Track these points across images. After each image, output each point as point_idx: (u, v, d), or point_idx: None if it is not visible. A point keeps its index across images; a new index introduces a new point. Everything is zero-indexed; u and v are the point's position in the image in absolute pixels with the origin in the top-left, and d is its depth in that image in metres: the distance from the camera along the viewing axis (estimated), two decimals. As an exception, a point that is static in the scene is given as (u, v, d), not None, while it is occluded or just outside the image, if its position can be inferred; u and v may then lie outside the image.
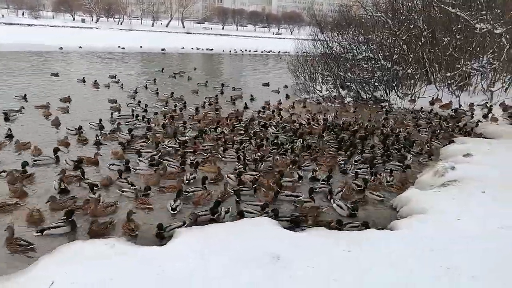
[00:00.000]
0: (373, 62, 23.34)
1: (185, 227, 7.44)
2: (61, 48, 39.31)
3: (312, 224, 7.89)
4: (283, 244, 6.56)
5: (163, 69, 29.77)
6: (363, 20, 27.57)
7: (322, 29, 27.08)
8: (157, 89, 21.34)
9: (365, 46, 24.22)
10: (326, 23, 30.71)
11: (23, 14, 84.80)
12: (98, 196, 8.52)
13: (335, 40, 26.04)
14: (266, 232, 6.97)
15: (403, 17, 23.24)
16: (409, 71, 22.15)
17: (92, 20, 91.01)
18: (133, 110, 16.09)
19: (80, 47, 40.96)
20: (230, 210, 8.24)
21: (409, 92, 21.72)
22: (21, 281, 5.47)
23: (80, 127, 13.14)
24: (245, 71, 36.48)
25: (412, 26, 22.67)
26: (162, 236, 7.23)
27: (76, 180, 9.39)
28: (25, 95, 17.55)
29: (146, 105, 17.27)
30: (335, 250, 6.37)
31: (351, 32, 26.06)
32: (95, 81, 22.26)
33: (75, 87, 21.51)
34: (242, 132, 14.01)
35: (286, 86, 25.01)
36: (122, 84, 22.37)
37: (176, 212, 8.26)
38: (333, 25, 29.04)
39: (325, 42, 25.76)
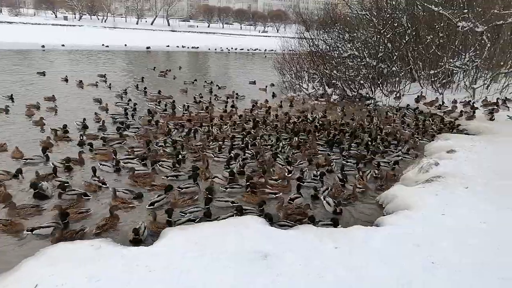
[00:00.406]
0: (359, 60, 23.56)
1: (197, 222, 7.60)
2: (43, 46, 38.54)
3: (284, 218, 7.99)
4: (271, 242, 6.56)
5: (154, 67, 29.42)
6: (348, 18, 27.79)
7: (308, 27, 27.18)
8: (145, 88, 21.00)
9: (351, 44, 24.42)
10: (312, 21, 30.85)
11: (0, 11, 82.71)
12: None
13: (321, 38, 26.18)
14: (254, 230, 6.96)
15: (388, 15, 23.49)
16: (394, 68, 22.43)
17: (75, 17, 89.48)
18: (125, 109, 15.99)
19: (63, 45, 40.23)
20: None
21: (395, 90, 21.98)
22: (3, 284, 5.34)
23: (65, 126, 13.03)
24: (231, 69, 36.40)
25: (396, 24, 22.95)
26: (138, 241, 6.99)
27: (50, 178, 9.27)
28: (11, 95, 17.12)
29: (136, 104, 17.10)
30: (323, 247, 6.41)
31: (336, 30, 26.25)
32: (80, 80, 21.72)
33: (60, 86, 21.09)
34: (238, 131, 14.07)
35: (272, 84, 25.04)
36: (110, 84, 21.90)
37: (153, 207, 8.22)
38: (318, 23, 29.18)
39: (311, 40, 25.88)
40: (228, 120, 15.56)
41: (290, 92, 23.94)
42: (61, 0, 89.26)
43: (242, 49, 54.44)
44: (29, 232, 7.13)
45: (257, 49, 55.43)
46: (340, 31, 25.82)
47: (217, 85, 23.76)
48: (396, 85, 22.50)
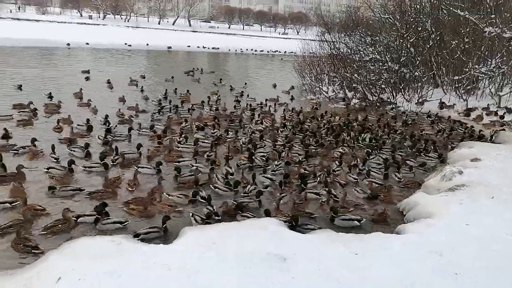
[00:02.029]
0: (380, 64, 23.27)
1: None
2: (68, 44, 39.48)
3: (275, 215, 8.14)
4: (289, 245, 6.52)
5: (193, 69, 29.17)
6: (370, 22, 27.49)
7: (329, 30, 27.02)
8: (176, 89, 20.85)
9: (372, 48, 24.15)
10: (333, 24, 30.63)
11: (19, 8, 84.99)
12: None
13: (342, 41, 25.97)
14: (273, 232, 6.94)
15: (411, 19, 23.13)
16: (416, 73, 22.04)
17: (99, 17, 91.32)
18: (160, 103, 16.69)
19: (87, 43, 41.11)
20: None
21: (418, 95, 21.60)
22: (29, 276, 5.48)
23: (88, 120, 13.50)
24: (252, 71, 36.43)
25: (420, 29, 22.57)
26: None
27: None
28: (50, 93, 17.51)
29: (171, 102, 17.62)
30: (341, 252, 6.34)
31: (358, 33, 25.99)
32: (108, 80, 21.71)
33: (100, 85, 21.32)
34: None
35: (292, 87, 24.96)
36: (142, 87, 21.26)
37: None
38: (340, 26, 28.96)
39: (332, 43, 25.71)
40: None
41: (310, 94, 23.82)
42: (86, 0, 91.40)
43: (262, 51, 54.48)
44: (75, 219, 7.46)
45: (277, 51, 55.39)
46: (362, 34, 25.55)
47: (230, 86, 23.58)
48: (419, 91, 22.10)
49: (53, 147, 10.66)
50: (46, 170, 9.48)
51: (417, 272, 5.76)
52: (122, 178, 9.55)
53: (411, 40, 22.30)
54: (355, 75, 23.32)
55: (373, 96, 22.76)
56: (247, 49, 53.48)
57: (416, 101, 20.95)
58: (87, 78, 22.39)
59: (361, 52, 24.82)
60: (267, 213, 8.01)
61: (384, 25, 25.30)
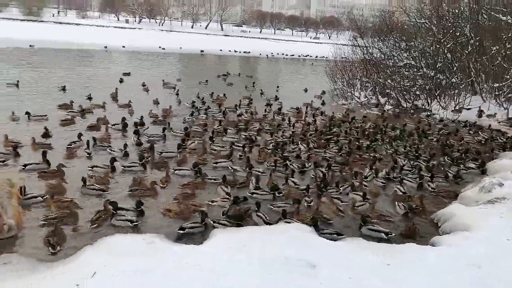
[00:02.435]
0: (415, 70, 22.67)
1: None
2: (105, 47, 40.96)
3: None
4: (319, 252, 6.45)
5: (226, 73, 29.56)
6: (405, 26, 26.86)
7: (362, 35, 26.63)
8: (212, 93, 21.01)
9: (407, 53, 23.58)
10: (366, 28, 30.17)
11: (58, 12, 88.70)
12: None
13: (376, 46, 25.53)
14: (302, 238, 6.88)
15: (449, 24, 22.42)
16: (453, 80, 21.30)
17: (135, 20, 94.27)
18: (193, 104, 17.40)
19: (123, 46, 42.50)
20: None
21: (454, 102, 20.86)
22: (66, 268, 5.69)
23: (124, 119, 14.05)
24: (282, 75, 36.43)
25: (458, 34, 21.83)
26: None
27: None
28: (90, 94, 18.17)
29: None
30: (372, 261, 6.20)
31: (392, 38, 25.46)
32: (143, 83, 22.10)
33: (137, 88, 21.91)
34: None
35: (323, 92, 24.78)
36: (177, 90, 21.25)
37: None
38: (373, 31, 28.48)
39: (364, 48, 25.31)
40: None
41: (341, 100, 23.53)
42: (123, 4, 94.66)
43: (293, 55, 54.41)
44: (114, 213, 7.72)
45: (308, 55, 55.15)
46: (396, 39, 25.01)
47: (260, 90, 23.49)
48: (455, 98, 21.35)
49: (88, 143, 11.23)
50: (90, 168, 9.80)
51: (455, 285, 5.55)
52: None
53: (448, 46, 21.61)
54: (389, 80, 22.83)
55: (407, 102, 22.20)
56: (278, 53, 53.56)
57: (453, 109, 20.26)
58: (121, 81, 22.97)
59: (395, 58, 24.29)
60: (284, 215, 7.98)
61: (420, 30, 24.65)
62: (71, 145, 11.40)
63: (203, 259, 6.11)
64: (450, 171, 11.53)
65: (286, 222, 7.76)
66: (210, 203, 8.68)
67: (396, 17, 30.96)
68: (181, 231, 7.30)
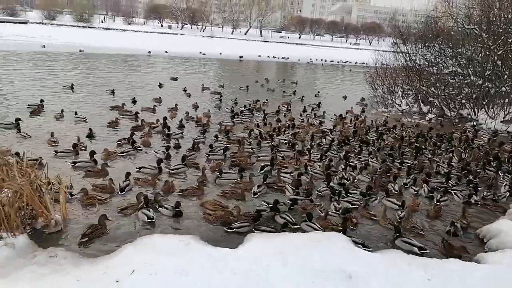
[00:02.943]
0: (461, 77, 21.69)
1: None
2: (149, 52, 42.48)
3: None
4: (356, 263, 6.30)
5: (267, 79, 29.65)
6: (452, 33, 25.77)
7: (404, 41, 25.86)
8: (257, 100, 20.87)
9: (453, 60, 22.60)
10: (409, 34, 29.24)
11: (104, 18, 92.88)
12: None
13: (419, 52, 24.69)
14: (339, 248, 6.75)
15: (500, 30, 21.26)
16: (503, 89, 20.16)
17: (177, 26, 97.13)
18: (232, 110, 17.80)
19: (166, 51, 43.87)
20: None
21: (504, 112, 19.73)
22: (107, 265, 5.93)
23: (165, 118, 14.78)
24: (321, 81, 36.06)
25: (510, 40, 20.65)
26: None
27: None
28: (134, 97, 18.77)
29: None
30: (412, 276, 5.97)
31: (437, 44, 24.52)
32: (184, 88, 22.40)
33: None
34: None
35: (363, 99, 24.26)
36: (220, 95, 21.59)
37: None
38: (417, 37, 27.56)
39: (407, 54, 24.56)
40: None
41: (381, 107, 22.94)
42: (167, 11, 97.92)
43: (332, 61, 53.78)
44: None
45: (348, 61, 54.31)
46: (442, 46, 24.05)
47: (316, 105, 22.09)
48: (505, 107, 20.18)
49: (133, 142, 11.82)
50: (138, 169, 10.15)
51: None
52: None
53: (498, 53, 20.49)
54: (432, 88, 21.99)
55: (451, 111, 21.26)
56: (316, 59, 53.15)
57: (502, 119, 19.15)
58: (160, 85, 23.32)
59: (440, 65, 23.37)
60: (309, 217, 7.96)
61: (468, 36, 23.56)
62: (120, 141, 12.18)
63: (237, 263, 6.15)
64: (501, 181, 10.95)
65: (307, 225, 7.83)
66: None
67: (442, 22, 29.82)
68: (229, 230, 7.59)
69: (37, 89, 19.36)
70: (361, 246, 7.10)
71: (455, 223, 8.17)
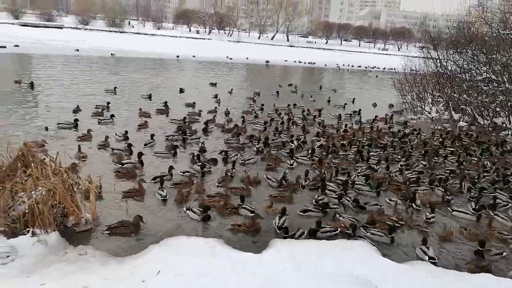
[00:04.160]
0: (495, 84, 20.91)
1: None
2: (177, 56, 43.29)
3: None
4: (382, 272, 6.18)
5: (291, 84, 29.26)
6: (486, 38, 24.92)
7: (435, 46, 25.21)
8: (295, 104, 21.02)
9: (487, 67, 21.84)
10: (440, 40, 28.49)
11: (129, 23, 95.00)
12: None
13: (451, 58, 24.00)
14: (363, 257, 6.65)
15: (538, 36, 20.41)
16: (541, 97, 19.31)
17: (205, 31, 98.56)
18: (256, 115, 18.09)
19: (194, 56, 44.59)
20: None
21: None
22: (134, 264, 6.06)
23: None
24: (349, 86, 35.61)
25: (548, 46, 19.79)
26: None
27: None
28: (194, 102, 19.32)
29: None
30: (440, 289, 5.79)
31: (470, 50, 23.76)
32: (216, 95, 22.13)
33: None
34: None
35: (391, 105, 23.76)
36: (262, 105, 20.41)
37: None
38: (448, 42, 26.80)
39: (438, 60, 23.93)
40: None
41: (410, 114, 22.41)
42: (195, 16, 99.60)
43: (359, 66, 53.08)
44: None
45: (375, 67, 53.46)
46: (475, 51, 23.29)
47: (336, 105, 22.48)
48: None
49: (174, 147, 12.14)
50: (181, 173, 10.32)
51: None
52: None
53: (536, 59, 19.67)
54: (464, 95, 21.31)
55: (484, 119, 20.52)
56: (343, 64, 52.59)
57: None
58: (182, 90, 23.10)
59: (473, 71, 22.63)
60: (319, 224, 7.87)
61: (503, 42, 22.71)
62: (147, 144, 12.55)
63: (259, 267, 6.16)
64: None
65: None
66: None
67: (475, 27, 28.90)
68: (285, 235, 7.49)
69: (81, 92, 20.15)
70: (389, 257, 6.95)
71: None
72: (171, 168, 10.24)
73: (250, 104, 20.89)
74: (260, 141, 13.54)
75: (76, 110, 15.96)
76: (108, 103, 17.15)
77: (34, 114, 15.10)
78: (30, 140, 11.13)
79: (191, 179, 9.88)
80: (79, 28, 74.78)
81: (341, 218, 8.41)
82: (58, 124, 13.64)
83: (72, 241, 6.89)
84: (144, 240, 7.23)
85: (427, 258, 7.04)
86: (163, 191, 9.01)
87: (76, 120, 13.96)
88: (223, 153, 12.05)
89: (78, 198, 7.42)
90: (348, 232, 7.76)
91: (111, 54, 38.81)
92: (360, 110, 20.73)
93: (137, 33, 77.22)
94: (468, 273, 6.53)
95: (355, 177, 10.96)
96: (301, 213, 8.66)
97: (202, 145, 12.84)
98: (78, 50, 38.47)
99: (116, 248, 6.93)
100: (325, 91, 28.27)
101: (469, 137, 17.14)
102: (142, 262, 6.11)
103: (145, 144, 12.60)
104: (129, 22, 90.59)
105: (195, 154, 11.68)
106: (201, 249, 6.65)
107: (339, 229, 7.85)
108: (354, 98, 24.88)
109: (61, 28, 70.17)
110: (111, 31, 74.74)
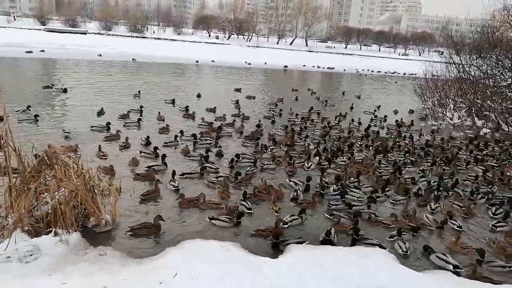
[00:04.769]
0: (521, 90, 20.31)
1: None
2: (197, 61, 43.83)
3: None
4: (398, 282, 6.07)
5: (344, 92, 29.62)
6: (511, 43, 24.26)
7: (458, 51, 24.70)
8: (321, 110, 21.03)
9: (512, 72, 21.26)
10: (464, 44, 27.89)
11: (147, 28, 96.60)
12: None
13: (474, 63, 23.46)
14: (381, 265, 6.55)
15: None
16: None
17: (224, 37, 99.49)
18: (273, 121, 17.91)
19: (213, 61, 45.05)
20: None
21: None
22: (152, 266, 6.16)
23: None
24: (368, 92, 35.23)
25: None
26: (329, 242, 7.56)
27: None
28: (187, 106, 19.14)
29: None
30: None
31: (494, 55, 23.17)
32: (237, 100, 22.05)
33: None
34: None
35: (412, 111, 23.38)
36: (281, 110, 20.46)
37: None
38: (472, 47, 26.21)
39: (460, 66, 23.42)
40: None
41: (431, 120, 22.00)
42: (215, 22, 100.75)
43: (379, 72, 52.48)
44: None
45: (395, 72, 52.75)
46: (499, 57, 22.69)
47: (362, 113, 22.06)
48: None
49: (206, 159, 11.87)
50: (209, 182, 10.31)
51: None
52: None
53: None
54: (488, 101, 20.77)
55: (509, 126, 19.94)
56: (363, 70, 52.10)
57: None
58: (199, 96, 23.19)
59: (497, 77, 22.04)
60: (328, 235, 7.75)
61: (529, 47, 22.08)
62: (167, 143, 13.11)
63: (274, 272, 6.14)
64: None
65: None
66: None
67: (500, 32, 28.18)
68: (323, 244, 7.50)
69: (112, 96, 20.68)
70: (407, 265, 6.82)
71: None
72: (203, 168, 10.88)
73: (270, 109, 20.92)
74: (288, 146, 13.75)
75: (100, 112, 16.38)
76: (142, 106, 17.66)
77: (66, 116, 15.75)
78: (65, 144, 11.80)
79: (226, 182, 10.00)
80: (102, 34, 76.67)
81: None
82: (91, 127, 14.10)
83: (92, 242, 7.04)
84: (161, 242, 7.33)
85: (451, 267, 6.87)
86: (175, 182, 9.66)
87: (108, 123, 14.41)
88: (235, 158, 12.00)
89: (98, 199, 7.60)
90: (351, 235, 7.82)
91: (133, 59, 39.62)
92: (386, 116, 20.67)
93: (157, 38, 78.67)
94: (493, 284, 6.34)
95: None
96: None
97: (220, 149, 12.93)
98: (100, 55, 39.42)
99: (134, 249, 7.04)
100: (348, 97, 27.93)
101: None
102: (159, 264, 6.20)
103: (165, 143, 13.03)
104: (147, 28, 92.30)
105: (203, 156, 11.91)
106: (216, 252, 6.69)
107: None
108: (379, 105, 24.43)
109: (85, 33, 72.14)
110: (133, 37, 76.39)
